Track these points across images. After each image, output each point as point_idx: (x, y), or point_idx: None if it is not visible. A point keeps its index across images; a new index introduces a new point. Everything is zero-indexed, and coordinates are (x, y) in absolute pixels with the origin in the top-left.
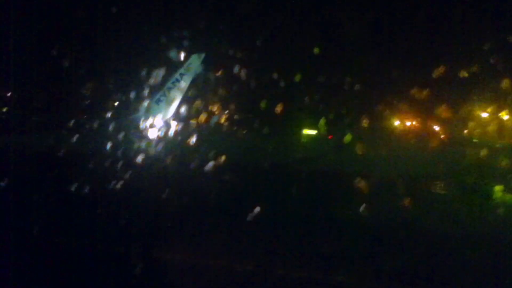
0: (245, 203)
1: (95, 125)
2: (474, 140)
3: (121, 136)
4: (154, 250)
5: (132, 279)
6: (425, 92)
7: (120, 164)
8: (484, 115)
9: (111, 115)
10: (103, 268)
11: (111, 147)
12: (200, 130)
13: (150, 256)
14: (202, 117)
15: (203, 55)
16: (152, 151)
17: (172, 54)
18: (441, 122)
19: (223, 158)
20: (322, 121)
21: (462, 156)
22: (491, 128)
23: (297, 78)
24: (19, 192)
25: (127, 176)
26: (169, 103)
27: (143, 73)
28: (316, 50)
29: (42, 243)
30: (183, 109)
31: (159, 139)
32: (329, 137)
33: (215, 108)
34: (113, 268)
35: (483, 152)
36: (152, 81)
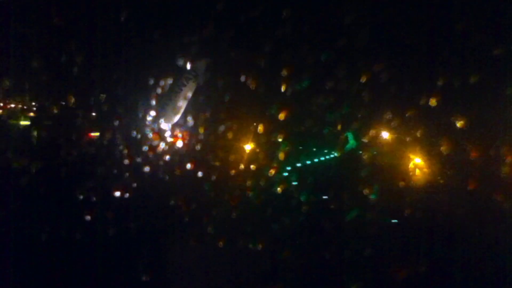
0: None
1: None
2: None
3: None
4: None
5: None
6: None
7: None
8: None
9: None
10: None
11: (117, 152)
12: None
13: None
14: None
15: (208, 61)
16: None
17: (178, 60)
18: None
19: None
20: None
21: None
22: None
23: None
24: (31, 193)
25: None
26: (174, 107)
27: (149, 79)
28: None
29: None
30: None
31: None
32: None
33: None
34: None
35: None
36: (158, 88)
